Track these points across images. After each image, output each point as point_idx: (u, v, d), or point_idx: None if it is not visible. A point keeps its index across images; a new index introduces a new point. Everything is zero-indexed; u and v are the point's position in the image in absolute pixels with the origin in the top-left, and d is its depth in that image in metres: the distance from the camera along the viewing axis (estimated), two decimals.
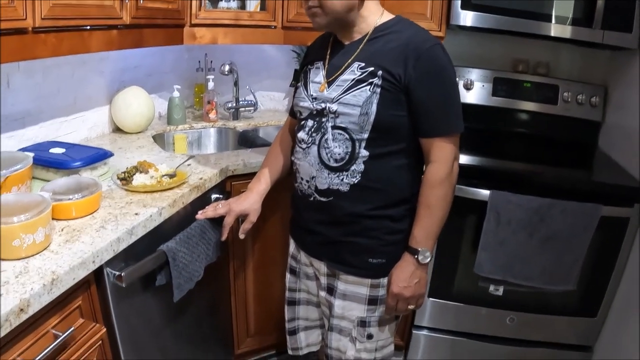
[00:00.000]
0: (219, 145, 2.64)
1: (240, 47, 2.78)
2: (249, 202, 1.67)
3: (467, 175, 2.05)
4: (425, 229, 1.43)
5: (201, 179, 1.74)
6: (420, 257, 1.42)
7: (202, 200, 1.75)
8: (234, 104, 2.68)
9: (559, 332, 2.28)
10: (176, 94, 2.46)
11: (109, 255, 1.31)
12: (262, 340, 2.34)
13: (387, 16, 1.43)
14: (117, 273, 1.34)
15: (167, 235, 1.56)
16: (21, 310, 1.06)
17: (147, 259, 1.45)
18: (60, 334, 1.20)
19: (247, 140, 2.52)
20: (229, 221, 1.67)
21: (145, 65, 2.53)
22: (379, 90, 1.34)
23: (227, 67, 2.55)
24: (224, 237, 1.70)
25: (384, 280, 1.50)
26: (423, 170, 1.45)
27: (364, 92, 1.35)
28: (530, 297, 2.21)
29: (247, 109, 2.72)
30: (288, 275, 1.76)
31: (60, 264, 1.19)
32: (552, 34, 2.23)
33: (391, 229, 1.47)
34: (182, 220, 1.64)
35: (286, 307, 1.79)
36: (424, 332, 2.37)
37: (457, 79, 1.39)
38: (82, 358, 1.30)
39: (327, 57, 1.47)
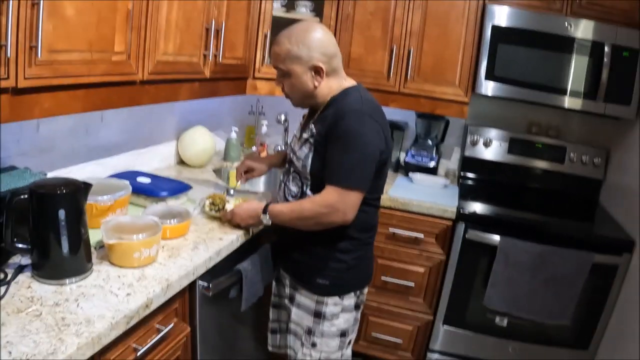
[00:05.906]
0: (268, 183, 2.94)
1: None
2: (259, 162, 2.20)
3: (481, 222, 2.46)
4: (284, 212, 1.74)
5: None
6: (264, 217, 1.77)
7: (267, 228, 2.02)
8: (283, 148, 3.00)
9: None
10: (234, 135, 2.81)
11: (202, 270, 1.65)
12: None
13: (349, 83, 1.75)
14: (206, 285, 1.67)
15: (237, 254, 1.87)
16: (147, 306, 1.39)
17: (228, 275, 1.79)
18: (163, 327, 1.53)
19: None
20: (239, 168, 2.19)
21: (208, 108, 2.89)
22: (313, 148, 1.69)
23: (282, 117, 2.87)
24: (237, 183, 2.19)
25: (327, 299, 1.77)
26: (365, 211, 1.73)
27: (306, 148, 1.72)
28: (530, 329, 2.48)
29: None
30: (274, 288, 2.05)
31: (170, 273, 1.53)
32: (566, 105, 2.55)
33: (337, 258, 1.76)
34: (249, 243, 1.96)
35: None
36: (437, 355, 2.67)
37: (368, 145, 1.61)
38: (172, 351, 1.61)
39: (303, 120, 1.88)
